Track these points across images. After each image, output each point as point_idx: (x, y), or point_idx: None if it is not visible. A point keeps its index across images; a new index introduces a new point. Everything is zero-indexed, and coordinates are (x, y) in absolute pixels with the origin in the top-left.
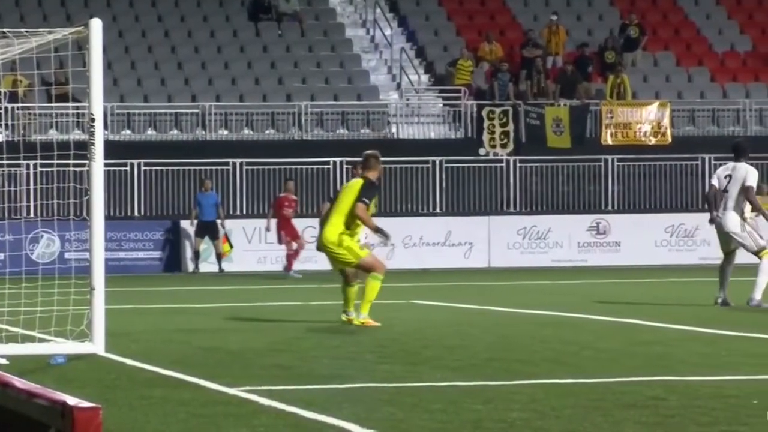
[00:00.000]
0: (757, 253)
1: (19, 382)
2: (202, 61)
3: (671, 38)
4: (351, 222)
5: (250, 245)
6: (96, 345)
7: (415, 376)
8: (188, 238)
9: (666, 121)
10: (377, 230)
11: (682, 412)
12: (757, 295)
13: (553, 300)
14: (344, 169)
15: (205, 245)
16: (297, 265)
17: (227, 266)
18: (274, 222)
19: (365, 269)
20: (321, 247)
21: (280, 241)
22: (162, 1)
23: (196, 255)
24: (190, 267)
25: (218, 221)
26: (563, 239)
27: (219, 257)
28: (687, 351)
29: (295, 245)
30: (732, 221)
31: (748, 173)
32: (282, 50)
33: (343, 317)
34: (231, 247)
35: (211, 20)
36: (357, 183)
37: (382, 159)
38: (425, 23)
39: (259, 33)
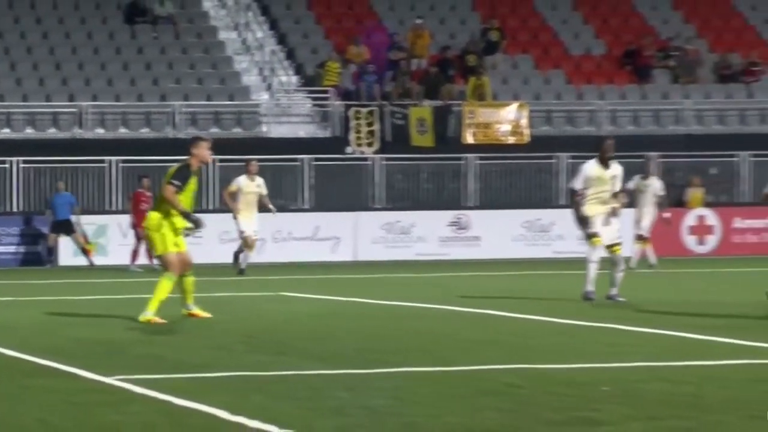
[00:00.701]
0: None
1: None
2: (79, 62)
3: (530, 42)
4: (167, 206)
5: (125, 240)
6: None
7: (283, 366)
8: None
9: (524, 122)
10: (185, 215)
11: (537, 399)
12: (589, 286)
13: (417, 292)
14: (217, 167)
15: (74, 242)
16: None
17: (104, 260)
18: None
19: (162, 265)
20: (144, 230)
21: (137, 237)
22: (41, 3)
23: (50, 251)
24: (61, 261)
25: (73, 218)
26: (426, 234)
27: (84, 252)
28: (543, 341)
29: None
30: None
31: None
32: (157, 52)
33: (183, 311)
34: (89, 243)
35: (89, 22)
36: (174, 167)
37: (254, 157)
38: (295, 26)
39: (134, 35)
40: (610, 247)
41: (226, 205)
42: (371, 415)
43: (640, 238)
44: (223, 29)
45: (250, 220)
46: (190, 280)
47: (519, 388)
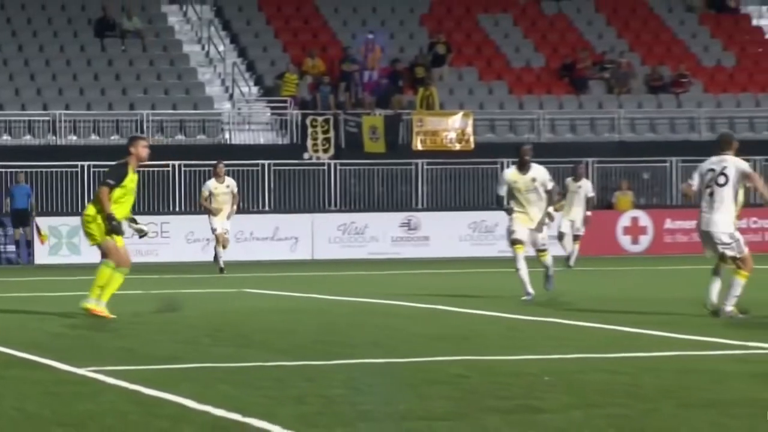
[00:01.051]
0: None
1: None
2: (52, 73)
3: (474, 55)
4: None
5: None
6: None
7: (247, 358)
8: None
9: (469, 129)
10: (109, 218)
11: (483, 388)
12: (528, 289)
13: (371, 289)
14: (183, 172)
15: (26, 234)
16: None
17: (77, 259)
18: None
19: (102, 253)
20: (81, 221)
21: None
22: (15, 17)
23: (17, 244)
24: (38, 259)
25: (31, 212)
26: (379, 234)
27: (28, 244)
28: (488, 334)
29: None
30: None
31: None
32: (125, 64)
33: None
34: (41, 234)
35: (61, 36)
36: (112, 165)
37: (222, 161)
38: (255, 40)
39: (104, 48)
40: (538, 251)
41: (206, 210)
42: (329, 404)
43: (576, 237)
44: (187, 43)
45: (221, 220)
46: (118, 275)
47: (466, 378)
